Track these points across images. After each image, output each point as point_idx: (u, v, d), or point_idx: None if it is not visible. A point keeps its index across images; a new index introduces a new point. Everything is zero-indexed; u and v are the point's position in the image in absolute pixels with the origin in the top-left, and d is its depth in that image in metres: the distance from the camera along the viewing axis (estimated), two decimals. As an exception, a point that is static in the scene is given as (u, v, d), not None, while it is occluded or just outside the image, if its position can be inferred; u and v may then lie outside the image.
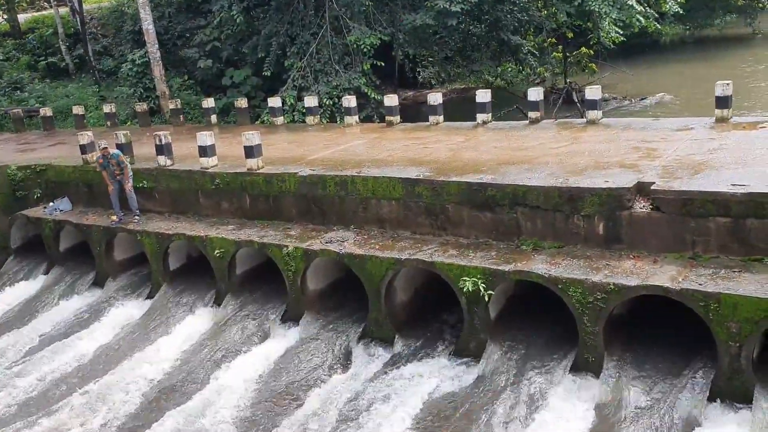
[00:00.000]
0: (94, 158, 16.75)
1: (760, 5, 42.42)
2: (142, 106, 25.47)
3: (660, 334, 11.20)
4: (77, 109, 25.88)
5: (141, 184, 16.77)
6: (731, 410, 9.70)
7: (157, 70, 26.62)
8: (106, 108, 25.59)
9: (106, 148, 16.03)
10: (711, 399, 9.86)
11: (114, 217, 16.63)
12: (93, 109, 29.22)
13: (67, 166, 18.86)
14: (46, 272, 18.22)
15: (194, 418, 11.78)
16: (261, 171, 15.41)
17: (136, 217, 16.54)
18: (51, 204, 18.48)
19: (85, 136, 18.45)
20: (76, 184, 18.63)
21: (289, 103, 24.47)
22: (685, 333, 10.82)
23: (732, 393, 9.75)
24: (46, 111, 26.81)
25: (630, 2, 23.83)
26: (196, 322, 14.82)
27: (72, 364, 14.07)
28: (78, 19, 32.70)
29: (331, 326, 13.69)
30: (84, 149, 18.31)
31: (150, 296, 16.11)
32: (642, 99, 30.43)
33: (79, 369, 13.92)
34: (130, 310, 15.84)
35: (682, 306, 9.95)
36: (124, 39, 32.60)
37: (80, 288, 17.21)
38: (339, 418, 11.23)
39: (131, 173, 16.38)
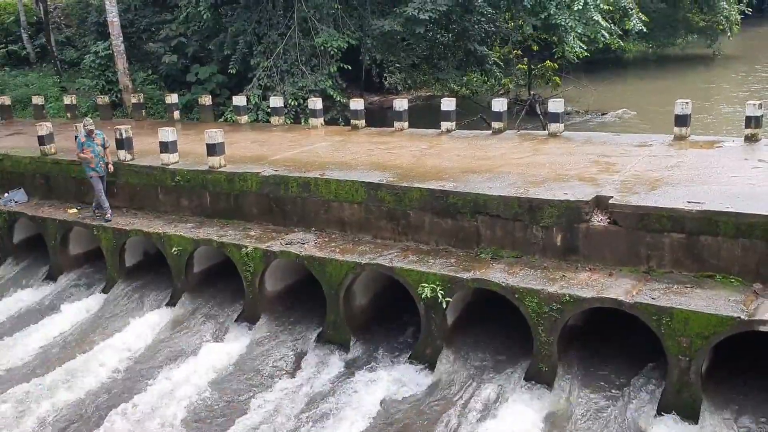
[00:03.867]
0: (80, 132, 15.71)
1: (720, 27, 43.35)
2: (104, 99, 25.11)
3: (613, 345, 11.38)
4: (37, 99, 25.44)
5: (100, 178, 16.51)
6: (679, 423, 9.84)
7: (121, 63, 26.22)
8: (67, 99, 25.20)
9: (93, 129, 15.44)
10: (660, 412, 10.01)
11: (107, 215, 15.85)
12: (53, 99, 28.74)
13: (24, 157, 18.51)
14: (-2, 264, 17.86)
15: (142, 418, 11.61)
16: (223, 169, 15.29)
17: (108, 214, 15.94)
18: (6, 195, 18.12)
19: (44, 127, 18.12)
20: (32, 176, 18.29)
21: (253, 102, 24.33)
22: (637, 345, 11.00)
23: (680, 406, 9.91)
24: (5, 99, 26.25)
25: (596, 18, 24.21)
26: (150, 320, 14.61)
27: (21, 359, 13.81)
28: (41, 7, 32.12)
29: (287, 328, 13.62)
30: (42, 140, 17.97)
31: (104, 292, 15.84)
32: (603, 114, 30.85)
33: (28, 364, 13.67)
34: (83, 305, 15.54)
35: (636, 319, 10.12)
36: (88, 30, 32.07)
37: (33, 281, 16.90)
38: (291, 421, 11.17)
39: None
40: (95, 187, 15.82)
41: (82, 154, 15.48)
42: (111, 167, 15.90)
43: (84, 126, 15.55)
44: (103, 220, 15.82)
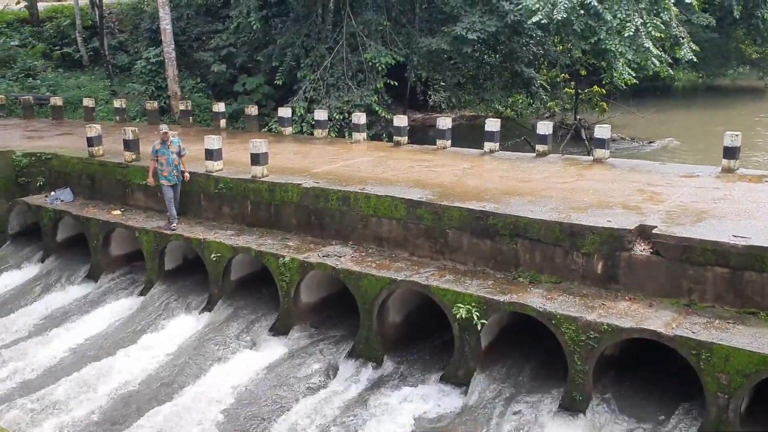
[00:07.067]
0: (154, 144, 15.55)
1: (775, 59, 42.78)
2: (152, 105, 25.55)
3: (650, 376, 11.16)
4: (88, 102, 25.94)
5: (143, 182, 16.73)
6: (715, 462, 9.64)
7: (171, 70, 26.69)
8: (117, 103, 25.70)
9: (167, 132, 15.43)
10: (695, 448, 9.81)
11: (173, 224, 15.69)
12: (103, 102, 29.27)
13: (73, 157, 18.87)
14: (42, 261, 18.16)
15: (171, 422, 11.67)
16: (265, 179, 15.42)
17: (174, 223, 15.82)
18: (53, 193, 18.47)
19: (94, 129, 18.46)
20: (79, 176, 18.63)
21: (298, 114, 24.53)
22: (674, 378, 10.77)
23: (717, 444, 9.70)
24: (57, 100, 26.85)
25: (646, 45, 23.89)
26: (185, 324, 14.73)
27: (58, 355, 14.02)
28: (96, 12, 32.85)
29: (320, 341, 13.61)
30: (91, 141, 18.30)
31: (142, 294, 16.03)
32: (650, 142, 30.50)
33: (65, 359, 13.87)
34: (121, 305, 15.76)
35: (674, 352, 9.92)
36: (141, 36, 32.75)
37: (74, 279, 17.14)
38: (320, 435, 11.16)
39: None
40: (165, 195, 15.71)
41: (150, 164, 15.54)
42: (187, 176, 15.82)
43: (159, 131, 15.61)
44: (168, 229, 15.66)
